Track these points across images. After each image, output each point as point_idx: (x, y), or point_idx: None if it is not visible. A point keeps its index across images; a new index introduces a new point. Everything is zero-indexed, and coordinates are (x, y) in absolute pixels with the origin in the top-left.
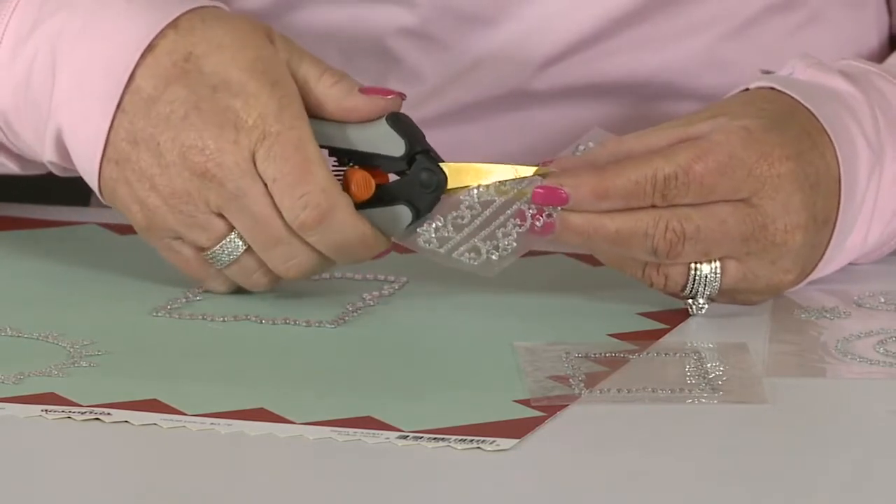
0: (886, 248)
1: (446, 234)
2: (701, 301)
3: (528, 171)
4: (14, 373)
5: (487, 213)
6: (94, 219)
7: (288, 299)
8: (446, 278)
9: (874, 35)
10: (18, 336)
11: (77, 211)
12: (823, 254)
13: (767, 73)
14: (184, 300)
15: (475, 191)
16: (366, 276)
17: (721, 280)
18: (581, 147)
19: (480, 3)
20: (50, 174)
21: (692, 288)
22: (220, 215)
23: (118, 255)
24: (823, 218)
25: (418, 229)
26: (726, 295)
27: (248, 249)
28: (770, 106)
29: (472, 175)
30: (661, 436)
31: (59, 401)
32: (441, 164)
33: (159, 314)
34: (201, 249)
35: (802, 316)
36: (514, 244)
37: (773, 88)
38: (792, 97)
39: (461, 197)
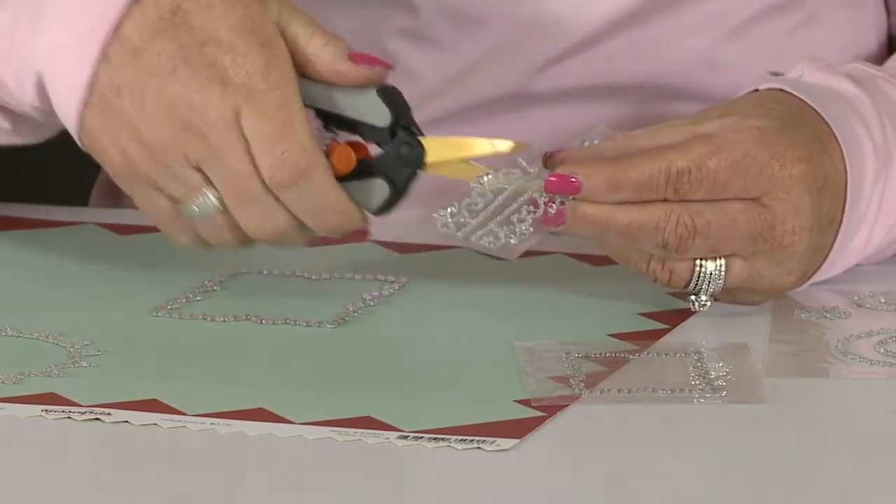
0: (888, 250)
1: (462, 220)
2: (704, 298)
3: (505, 144)
4: (14, 373)
5: (500, 199)
6: (94, 219)
7: (288, 299)
8: (446, 278)
9: (873, 35)
10: (18, 336)
11: (77, 211)
12: (827, 256)
13: (776, 74)
14: (184, 300)
15: (485, 178)
16: (366, 276)
17: (725, 278)
18: (585, 143)
19: (479, 4)
20: (50, 169)
21: (696, 284)
22: (199, 170)
23: (118, 255)
24: (829, 221)
25: (434, 214)
26: (728, 294)
27: (222, 208)
28: (779, 107)
29: (453, 148)
30: (661, 436)
31: (60, 401)
32: (421, 139)
33: (159, 314)
34: (176, 202)
35: (803, 316)
36: (531, 229)
37: (781, 90)
38: (800, 99)
39: (472, 184)
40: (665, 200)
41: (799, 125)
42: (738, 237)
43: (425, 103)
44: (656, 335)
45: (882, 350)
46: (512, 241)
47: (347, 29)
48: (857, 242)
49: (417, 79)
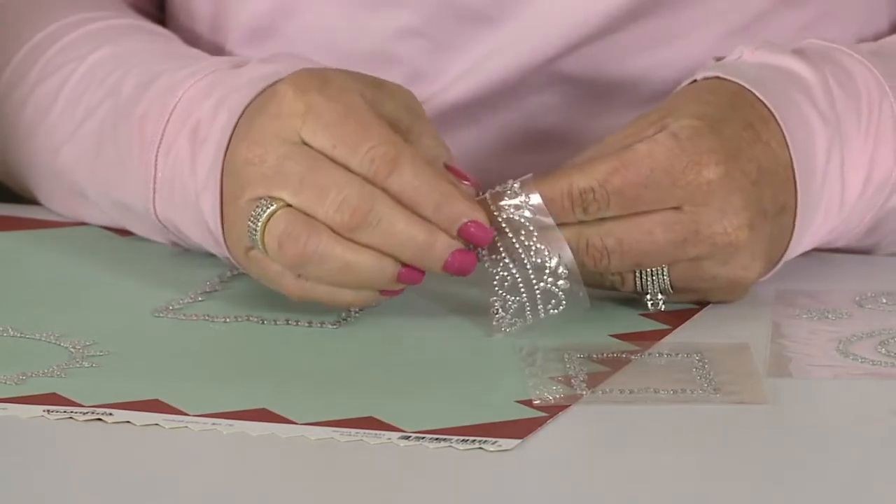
0: (873, 204)
1: (510, 303)
2: (659, 297)
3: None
4: (16, 373)
5: (520, 282)
6: None
7: (289, 299)
8: (448, 278)
9: (885, 25)
10: (20, 336)
11: None
12: (791, 238)
13: (721, 59)
14: (185, 301)
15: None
16: None
17: (669, 277)
18: (516, 185)
19: (481, 2)
20: None
21: (642, 286)
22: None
23: (119, 255)
24: (778, 208)
25: (493, 323)
26: (695, 293)
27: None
28: (714, 98)
29: None
30: (662, 436)
31: (61, 401)
32: None
33: (161, 315)
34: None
35: (804, 316)
36: (563, 270)
37: (718, 77)
38: (738, 84)
39: (494, 271)
40: (582, 222)
41: (727, 120)
42: (659, 249)
43: (426, 102)
44: (658, 335)
45: (883, 350)
46: (560, 282)
47: (351, 29)
48: (829, 209)
49: (419, 78)
